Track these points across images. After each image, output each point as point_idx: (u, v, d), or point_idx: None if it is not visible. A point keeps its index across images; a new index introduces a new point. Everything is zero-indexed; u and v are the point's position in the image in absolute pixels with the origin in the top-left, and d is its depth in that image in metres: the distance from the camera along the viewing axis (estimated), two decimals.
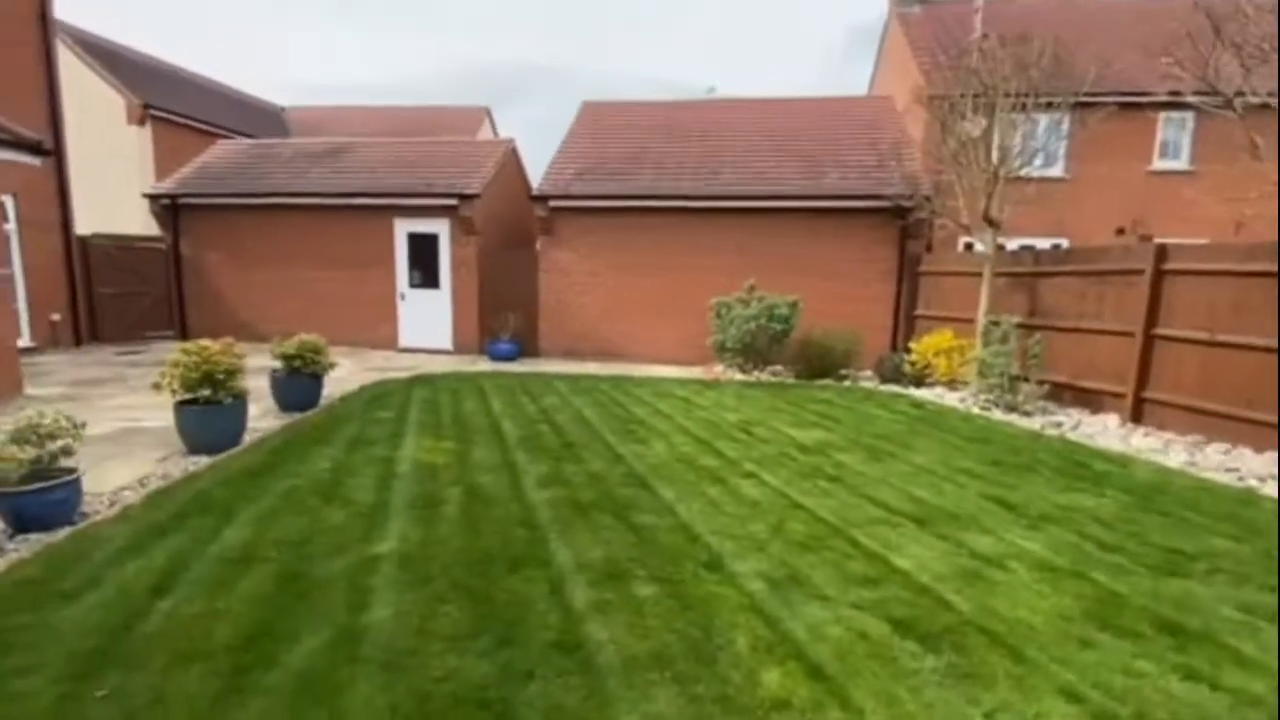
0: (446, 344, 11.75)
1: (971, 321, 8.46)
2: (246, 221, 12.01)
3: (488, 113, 24.98)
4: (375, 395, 7.38)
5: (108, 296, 11.37)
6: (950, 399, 8.05)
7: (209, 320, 12.33)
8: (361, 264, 11.76)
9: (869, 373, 9.84)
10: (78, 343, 10.89)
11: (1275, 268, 5.50)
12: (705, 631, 2.66)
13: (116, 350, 10.72)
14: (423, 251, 11.67)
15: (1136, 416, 6.68)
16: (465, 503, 4.05)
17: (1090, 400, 7.32)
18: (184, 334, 12.43)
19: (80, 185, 11.06)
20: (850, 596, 3.00)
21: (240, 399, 5.44)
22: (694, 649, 2.54)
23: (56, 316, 10.45)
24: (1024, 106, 7.99)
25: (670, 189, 10.85)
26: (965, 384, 8.39)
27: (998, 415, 7.16)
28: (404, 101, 29.44)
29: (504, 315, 11.15)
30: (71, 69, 12.56)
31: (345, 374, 8.99)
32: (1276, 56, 6.19)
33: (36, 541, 3.51)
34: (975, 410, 7.43)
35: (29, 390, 7.19)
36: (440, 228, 11.47)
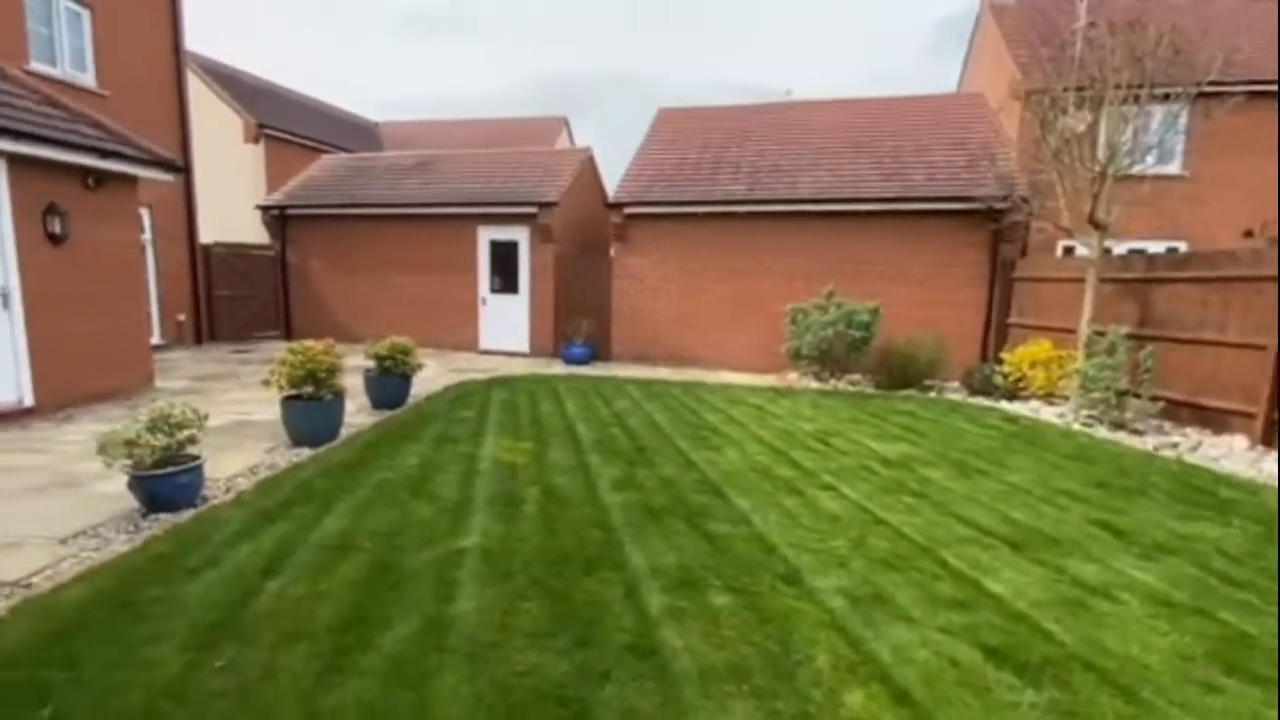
0: (524, 347, 12.11)
1: (1072, 331, 7.88)
2: (345, 230, 12.86)
3: (565, 123, 25.63)
4: (458, 395, 7.70)
5: (224, 299, 12.47)
6: (1047, 414, 7.52)
7: (310, 322, 13.30)
8: (447, 270, 12.32)
9: (955, 384, 9.35)
10: (198, 341, 11.99)
11: None
12: (783, 646, 2.61)
13: (230, 349, 11.73)
14: (503, 258, 12.10)
15: (1268, 439, 5.99)
16: (543, 502, 4.16)
17: (1212, 419, 6.63)
18: (289, 334, 13.46)
19: (202, 198, 12.20)
20: (938, 620, 2.86)
21: (339, 396, 5.82)
22: (772, 663, 2.49)
23: (182, 317, 11.56)
24: (1136, 99, 7.38)
25: (745, 194, 10.74)
26: (1064, 398, 7.82)
27: (1102, 433, 6.63)
28: (485, 114, 30.70)
29: (578, 320, 11.37)
30: (197, 93, 13.89)
31: (431, 374, 9.44)
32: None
33: (166, 521, 3.90)
34: (1076, 427, 6.90)
35: (159, 383, 7.98)
36: (520, 235, 11.85)
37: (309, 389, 5.63)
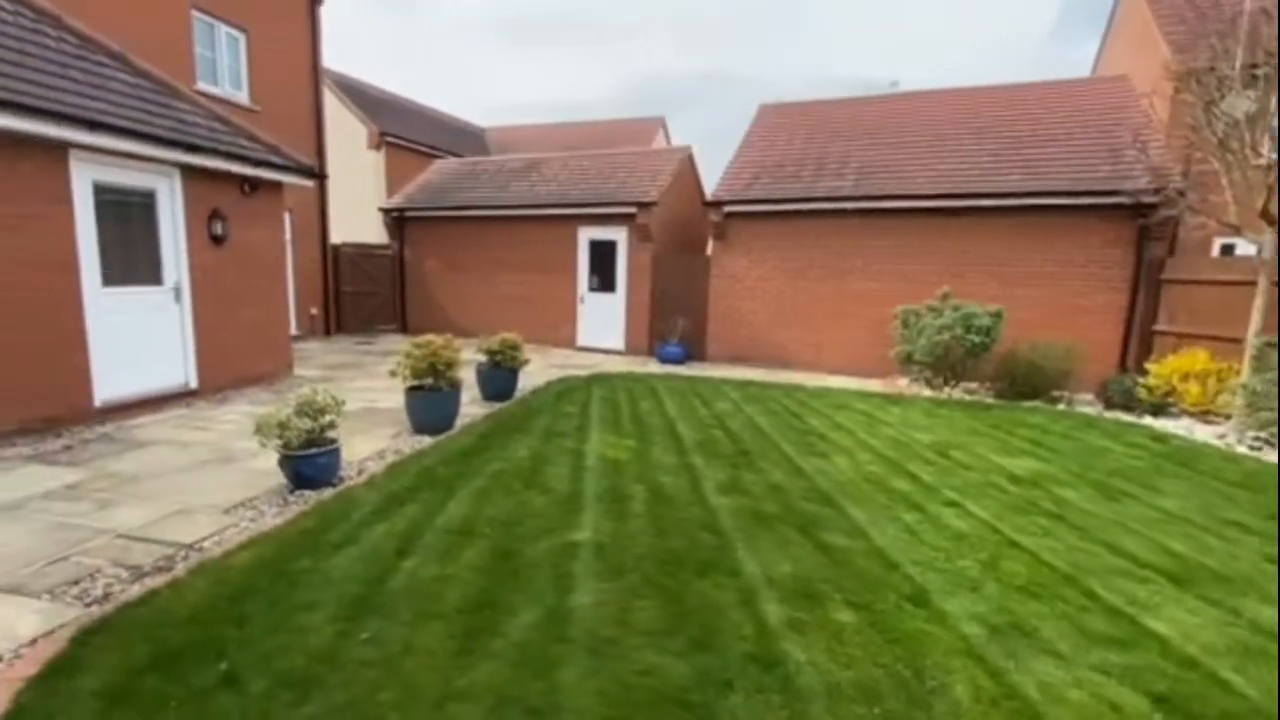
0: (619, 345, 12.28)
1: (1236, 341, 6.95)
2: (455, 231, 13.59)
3: (662, 123, 25.76)
4: (561, 391, 7.91)
5: (349, 295, 13.54)
6: (1203, 433, 6.67)
7: (423, 316, 14.18)
8: (548, 269, 12.72)
9: (1089, 396, 8.51)
10: (327, 333, 13.10)
11: None
12: (916, 672, 2.46)
13: (354, 340, 12.72)
14: (602, 257, 12.33)
15: None
16: (650, 500, 4.17)
17: None
18: (404, 328, 14.42)
19: (331, 201, 13.29)
20: (1091, 658, 2.59)
21: (455, 388, 6.14)
22: (904, 688, 2.36)
23: (314, 311, 12.67)
24: None
25: (851, 190, 10.30)
26: (1224, 417, 6.91)
27: (1274, 458, 5.79)
28: (585, 116, 31.40)
29: (674, 319, 11.38)
30: (328, 104, 15.14)
31: (534, 369, 9.75)
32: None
33: (309, 498, 4.26)
34: (1241, 450, 6.08)
35: (297, 371, 8.77)
36: (619, 235, 12.03)
37: (429, 380, 5.97)
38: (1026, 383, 8.30)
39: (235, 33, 10.80)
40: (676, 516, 3.92)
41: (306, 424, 4.39)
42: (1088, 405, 8.18)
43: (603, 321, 12.40)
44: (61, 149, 5.58)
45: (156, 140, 6.15)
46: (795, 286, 10.84)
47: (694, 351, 11.43)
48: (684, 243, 13.19)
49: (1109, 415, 7.62)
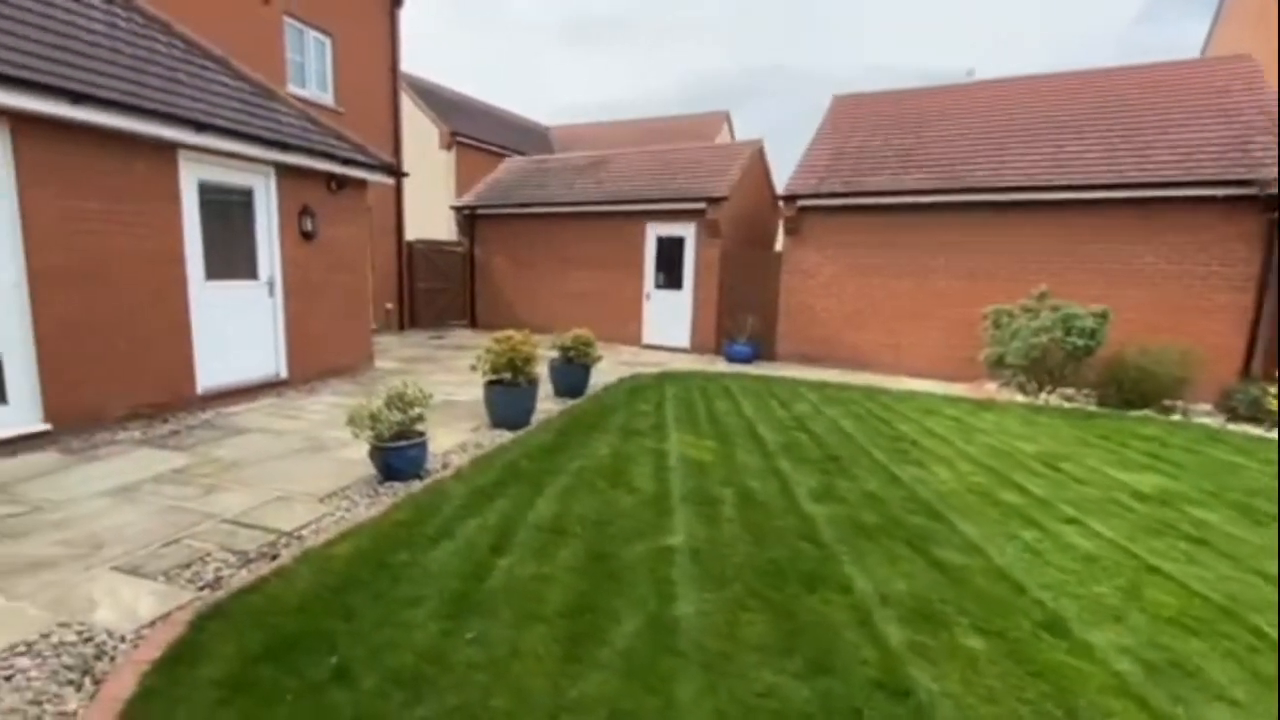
0: (685, 343, 12.12)
1: None
2: (523, 228, 13.75)
3: (727, 118, 25.39)
4: (632, 388, 7.82)
5: (422, 291, 13.90)
6: None
7: (491, 313, 14.43)
8: (614, 266, 12.68)
9: (1206, 405, 7.77)
10: (401, 327, 13.49)
11: None
12: (1068, 711, 2.20)
13: (427, 335, 13.05)
14: (669, 254, 12.19)
15: None
16: (740, 505, 4.00)
17: None
18: (473, 324, 14.71)
19: (406, 200, 13.68)
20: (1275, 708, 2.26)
21: (533, 383, 6.13)
22: None
23: (390, 306, 13.07)
24: None
25: (936, 183, 9.77)
26: None
27: None
28: (647, 114, 31.27)
29: (742, 317, 11.12)
30: (402, 105, 15.61)
31: (603, 366, 9.71)
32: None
33: (397, 490, 4.31)
34: None
35: (376, 364, 9.03)
36: (687, 231, 11.85)
37: (508, 375, 5.98)
38: (1135, 390, 7.64)
39: (322, 37, 11.22)
40: (772, 524, 3.73)
41: (397, 416, 4.44)
42: (1205, 415, 7.46)
43: (668, 319, 12.26)
44: (171, 149, 5.88)
45: (256, 140, 6.41)
46: (872, 284, 10.39)
47: (762, 351, 11.14)
48: (752, 239, 12.91)
49: (1234, 428, 6.91)
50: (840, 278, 10.62)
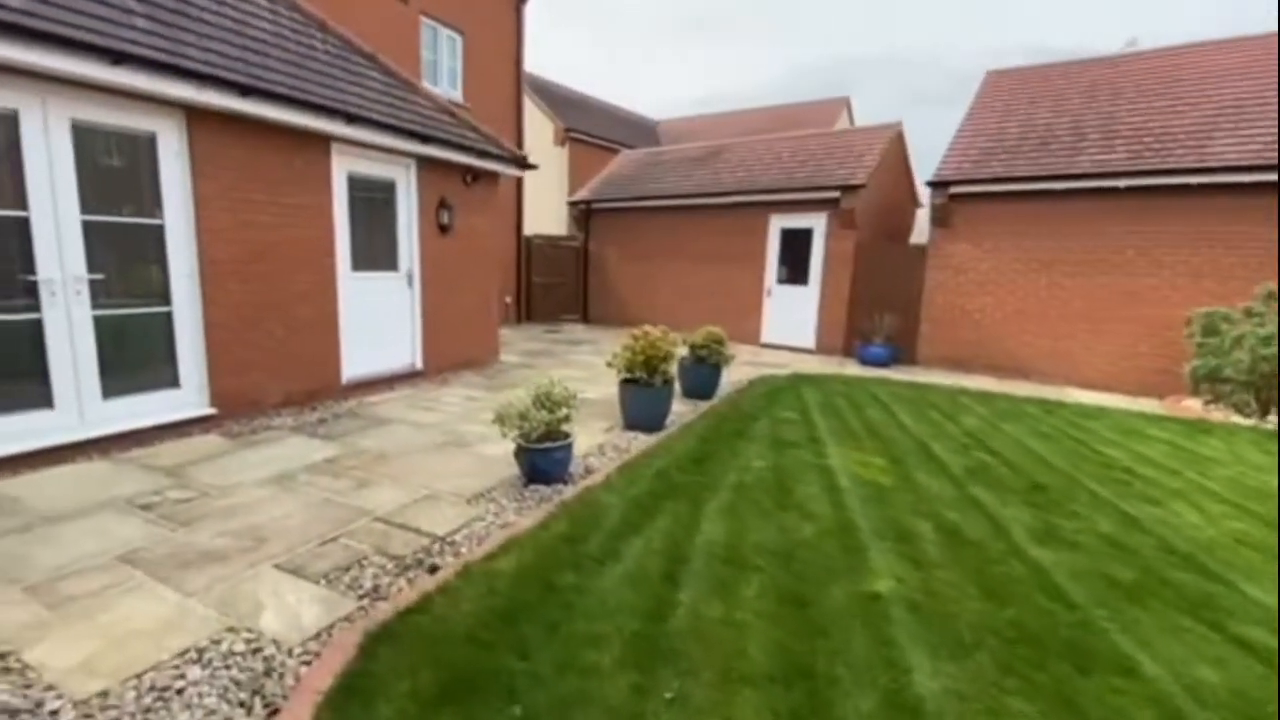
0: (809, 343, 11.31)
1: None
2: (637, 221, 13.45)
3: (846, 104, 23.95)
4: (767, 391, 7.23)
5: (538, 285, 13.99)
6: None
7: (604, 307, 14.30)
8: (733, 259, 12.08)
9: None
10: (518, 320, 13.64)
11: None
12: None
13: (542, 329, 13.10)
14: (794, 247, 11.43)
15: None
16: (946, 544, 3.35)
17: None
18: (585, 318, 14.65)
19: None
20: None
21: (669, 384, 5.72)
22: None
23: (509, 299, 13.22)
24: None
25: (1122, 164, 8.38)
26: None
27: None
28: (755, 104, 30.18)
29: (878, 316, 10.18)
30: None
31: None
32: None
33: (546, 496, 4.01)
34: None
35: (502, 357, 9.02)
36: (815, 222, 11.04)
37: (643, 375, 5.60)
38: None
39: (454, 35, 11.44)
40: (996, 572, 3.05)
41: (544, 416, 4.15)
42: None
43: (792, 316, 11.50)
44: (325, 142, 5.98)
45: (402, 132, 6.43)
46: (1037, 282, 9.13)
47: (900, 354, 10.15)
48: (886, 231, 11.86)
49: None
50: (999, 274, 9.43)
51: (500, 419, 4.19)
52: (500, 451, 4.86)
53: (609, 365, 5.75)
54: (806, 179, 11.09)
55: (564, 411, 4.26)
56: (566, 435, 4.29)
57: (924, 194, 14.95)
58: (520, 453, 4.21)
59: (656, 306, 13.30)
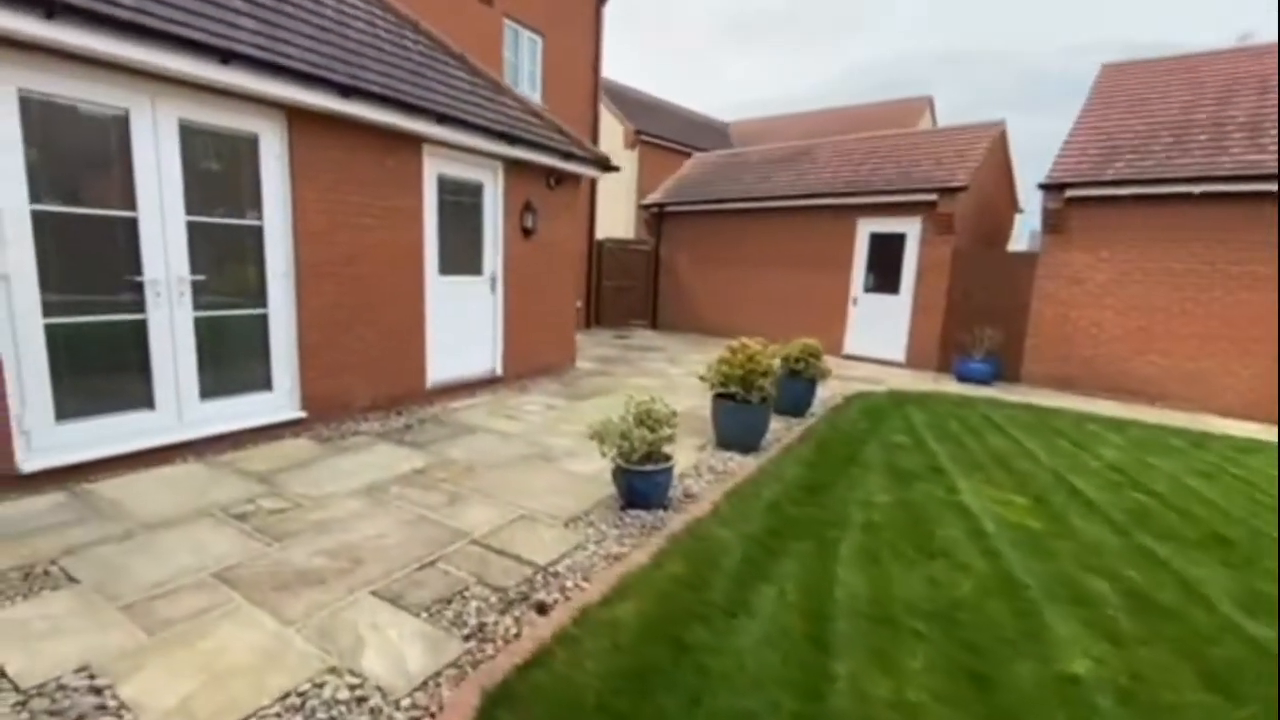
0: (898, 355, 10.60)
1: None
2: (712, 225, 13.03)
3: (929, 103, 22.81)
4: (865, 409, 6.68)
5: (609, 289, 13.78)
6: None
7: (673, 313, 13.95)
8: (815, 266, 11.50)
9: None
10: (587, 325, 13.46)
11: None
12: None
13: (612, 334, 12.86)
14: (884, 253, 10.75)
15: None
16: (1136, 611, 2.80)
17: None
18: (654, 323, 14.34)
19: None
20: None
21: (766, 402, 5.30)
22: None
23: (579, 304, 13.05)
24: None
25: (1260, 165, 7.37)
26: None
27: None
28: (815, 107, 29.15)
29: (980, 329, 9.39)
30: None
31: None
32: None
33: (649, 526, 3.68)
34: None
35: (576, 363, 8.80)
36: (909, 226, 10.33)
37: (739, 390, 5.20)
38: None
39: (535, 37, 11.37)
40: (1214, 655, 2.50)
41: (646, 435, 3.82)
42: None
43: (880, 327, 10.82)
44: (417, 143, 5.87)
45: (492, 133, 6.27)
46: (1168, 295, 8.18)
47: (1002, 370, 9.34)
48: (981, 237, 11.01)
49: None
50: (1118, 285, 8.52)
51: (599, 436, 3.89)
52: (589, 469, 4.58)
53: (702, 379, 5.38)
54: (900, 180, 10.40)
55: (667, 431, 3.92)
56: (668, 457, 3.95)
57: (1024, 199, 13.95)
58: (619, 473, 3.90)
59: (730, 313, 12.86)
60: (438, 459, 4.71)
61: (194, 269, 4.42)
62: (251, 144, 4.72)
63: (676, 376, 8.53)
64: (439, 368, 6.43)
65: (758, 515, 3.64)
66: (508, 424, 5.74)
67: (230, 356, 4.80)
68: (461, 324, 6.72)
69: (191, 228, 4.39)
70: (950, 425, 6.07)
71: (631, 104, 19.30)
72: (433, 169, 6.13)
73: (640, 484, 3.85)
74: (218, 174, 4.64)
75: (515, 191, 7.09)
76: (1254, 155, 7.71)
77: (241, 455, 4.58)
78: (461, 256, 6.69)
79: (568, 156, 7.40)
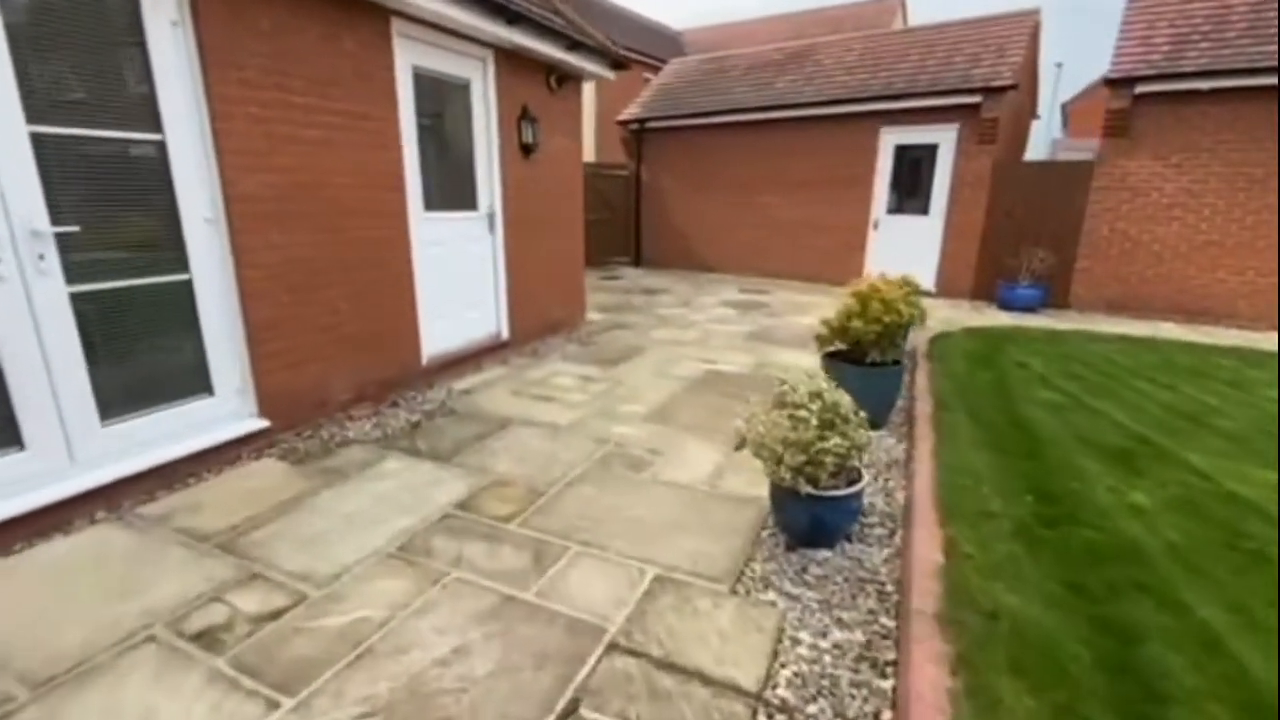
0: (927, 284, 9.53)
1: None
2: (703, 143, 11.38)
3: (901, 3, 21.18)
4: (967, 357, 5.54)
5: (590, 223, 12.02)
6: None
7: (659, 248, 12.42)
8: (829, 186, 10.18)
9: None
10: None
11: None
12: None
13: (598, 275, 11.25)
14: (910, 167, 9.53)
15: None
16: None
17: None
18: (637, 260, 12.80)
19: None
20: None
21: (900, 362, 4.08)
22: None
23: None
24: None
25: None
26: None
27: None
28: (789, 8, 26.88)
29: (1029, 251, 8.42)
30: None
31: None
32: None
33: (856, 579, 2.45)
34: None
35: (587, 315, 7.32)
36: (944, 136, 9.08)
37: (872, 348, 3.94)
38: None
39: None
40: None
41: (837, 445, 2.52)
42: None
43: (906, 253, 9.70)
44: (383, 17, 4.04)
45: (487, 4, 4.45)
46: (1246, 204, 7.36)
47: (1051, 295, 8.48)
48: (1006, 148, 9.92)
49: None
50: (1189, 195, 7.64)
51: (760, 451, 2.57)
52: (698, 475, 3.32)
53: (819, 339, 4.08)
54: (934, 81, 9.04)
55: (863, 435, 2.62)
56: (859, 473, 2.68)
57: (1042, 104, 12.89)
58: (785, 498, 2.62)
59: (728, 246, 11.49)
60: (481, 478, 3.29)
61: (56, 216, 2.68)
62: (129, 9, 2.87)
63: (706, 324, 7.21)
64: (436, 336, 4.85)
65: (1021, 561, 2.45)
66: (548, 409, 4.31)
67: (142, 351, 3.13)
68: (457, 276, 5.10)
69: (41, 146, 2.61)
70: (1078, 370, 5.05)
71: (576, 6, 16.79)
72: (406, 58, 4.33)
73: (829, 515, 2.59)
74: (80, 56, 2.79)
75: (510, 94, 5.34)
76: None
77: (183, 500, 3.01)
78: (451, 186, 4.99)
79: (574, 46, 5.64)
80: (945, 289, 9.43)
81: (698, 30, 24.17)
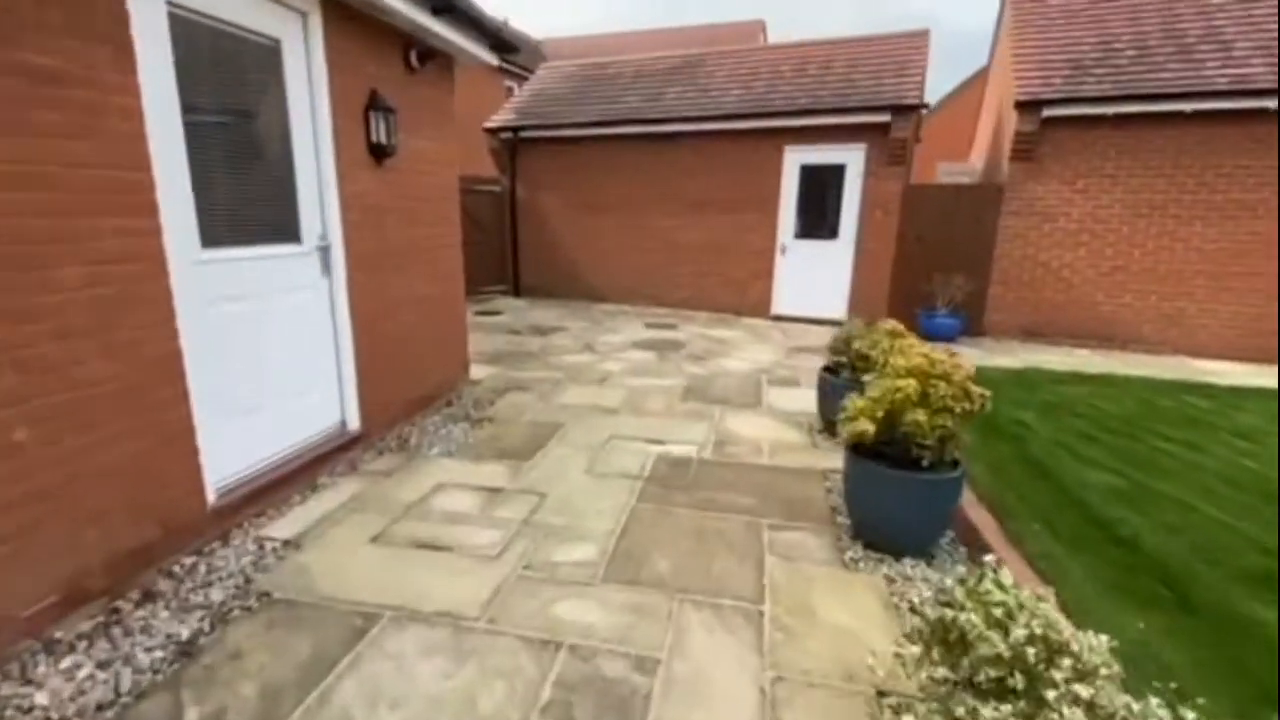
0: (838, 312, 8.93)
1: None
2: (589, 156, 10.01)
3: (762, 26, 21.51)
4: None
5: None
6: None
7: (540, 276, 10.82)
8: (731, 207, 9.26)
9: None
10: None
11: None
12: None
13: (474, 308, 9.38)
14: (818, 189, 8.86)
15: None
16: None
17: None
18: (516, 290, 11.07)
19: None
20: None
21: (958, 463, 2.90)
22: None
23: None
24: None
25: (1254, 80, 6.74)
26: None
27: None
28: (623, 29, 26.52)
29: (946, 278, 8.01)
30: None
31: (769, 359, 6.60)
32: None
33: None
34: None
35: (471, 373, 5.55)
36: (851, 156, 8.49)
37: (920, 446, 2.74)
38: None
39: None
40: None
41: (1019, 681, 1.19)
42: None
43: (815, 280, 9.04)
44: None
45: None
46: (1147, 230, 7.42)
47: (967, 323, 8.14)
48: (909, 167, 9.66)
49: None
50: (1094, 220, 7.60)
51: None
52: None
53: (851, 422, 2.78)
54: (839, 97, 8.43)
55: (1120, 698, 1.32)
56: None
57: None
58: None
59: (622, 272, 10.18)
60: None
61: None
62: None
63: (626, 379, 5.77)
64: (231, 451, 2.93)
65: None
66: (437, 578, 2.61)
67: None
68: (272, 346, 3.21)
69: None
70: (1082, 427, 4.29)
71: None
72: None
73: None
74: None
75: (350, 70, 3.57)
76: (1240, 69, 6.98)
77: None
78: (255, 206, 3.11)
79: (442, 9, 3.98)
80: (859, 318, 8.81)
81: (560, 41, 22.97)
